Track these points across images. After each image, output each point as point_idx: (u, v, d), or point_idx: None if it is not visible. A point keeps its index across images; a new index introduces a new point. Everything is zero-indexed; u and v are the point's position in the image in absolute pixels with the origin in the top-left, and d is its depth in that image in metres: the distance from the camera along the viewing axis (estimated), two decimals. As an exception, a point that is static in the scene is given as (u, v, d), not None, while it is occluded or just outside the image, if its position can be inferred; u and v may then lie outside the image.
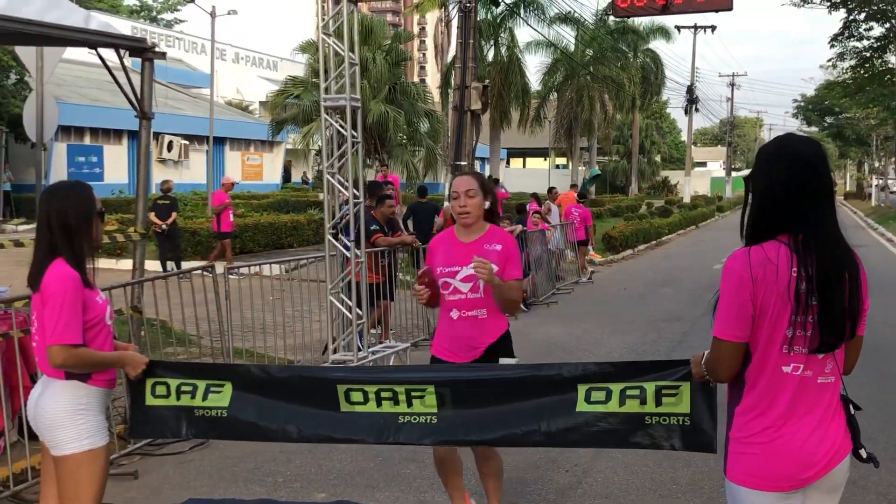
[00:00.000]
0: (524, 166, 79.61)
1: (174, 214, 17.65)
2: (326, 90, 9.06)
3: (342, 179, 9.07)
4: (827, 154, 3.05)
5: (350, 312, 9.04)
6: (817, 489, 2.91)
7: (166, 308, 7.86)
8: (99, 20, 7.21)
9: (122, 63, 7.21)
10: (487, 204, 4.79)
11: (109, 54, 7.44)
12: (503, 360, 4.64)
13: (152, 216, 17.28)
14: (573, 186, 35.88)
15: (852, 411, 3.02)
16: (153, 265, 16.67)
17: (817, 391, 2.90)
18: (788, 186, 2.87)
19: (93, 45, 7.29)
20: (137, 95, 7.35)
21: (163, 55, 7.60)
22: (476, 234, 4.79)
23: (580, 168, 54.20)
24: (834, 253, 2.87)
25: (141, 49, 7.34)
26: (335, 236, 9.12)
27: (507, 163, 71.19)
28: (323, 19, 9.18)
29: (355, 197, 8.98)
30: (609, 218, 36.65)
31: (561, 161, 71.27)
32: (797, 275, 2.81)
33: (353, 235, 9.01)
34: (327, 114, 9.00)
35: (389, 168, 27.19)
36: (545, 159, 71.23)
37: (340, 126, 8.93)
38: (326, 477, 6.35)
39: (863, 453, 3.00)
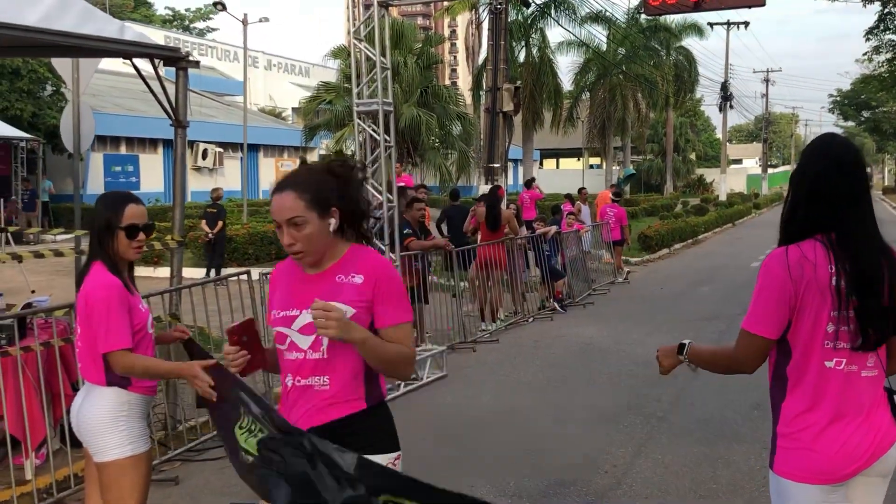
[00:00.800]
0: (557, 167, 79.38)
1: (220, 223, 17.86)
2: (358, 95, 9.09)
3: (375, 184, 9.10)
4: (863, 154, 3.10)
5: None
6: (864, 475, 2.94)
7: (205, 315, 7.93)
8: (133, 31, 7.28)
9: (156, 72, 7.28)
10: (333, 223, 3.11)
11: (144, 64, 7.52)
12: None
13: (203, 224, 17.95)
14: (612, 186, 35.77)
15: None
16: (199, 272, 16.92)
17: (862, 385, 2.93)
18: (821, 186, 2.93)
19: (128, 56, 7.37)
20: (172, 104, 7.42)
21: (196, 64, 7.67)
22: (328, 262, 3.17)
23: (614, 168, 53.96)
24: (870, 250, 2.91)
25: (175, 58, 7.41)
26: (369, 241, 9.13)
27: (541, 164, 71.06)
28: (354, 24, 9.21)
29: (388, 201, 8.99)
30: (644, 217, 36.44)
31: (595, 161, 70.98)
32: (835, 271, 2.86)
33: (388, 239, 9.03)
34: (359, 118, 9.04)
35: (413, 169, 27.17)
36: (578, 160, 70.97)
37: (373, 130, 8.96)
38: (365, 480, 6.36)
39: None
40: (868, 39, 43.28)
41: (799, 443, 2.92)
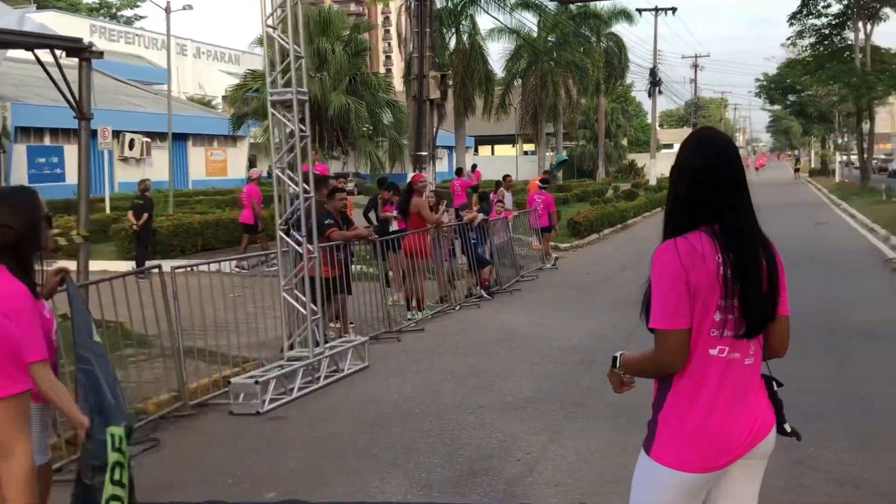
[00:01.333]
0: (493, 153, 79.61)
1: (145, 215, 17.60)
2: (273, 84, 8.96)
3: (292, 174, 8.99)
4: (736, 147, 3.15)
5: (304, 308, 8.97)
6: (744, 458, 2.99)
7: (124, 309, 7.80)
8: (34, 22, 7.11)
9: (57, 63, 7.10)
10: None
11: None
12: None
13: (130, 215, 17.91)
14: (545, 172, 35.95)
15: (775, 387, 3.12)
16: (125, 265, 16.62)
17: (743, 372, 2.99)
18: (705, 179, 2.98)
19: (28, 47, 7.18)
20: (76, 96, 7.25)
21: (100, 54, 7.50)
22: None
23: (547, 154, 54.30)
24: (750, 241, 2.98)
25: (77, 49, 7.24)
26: (287, 232, 9.04)
27: (476, 150, 71.20)
28: (267, 12, 9.05)
29: (305, 191, 8.90)
30: (576, 203, 36.69)
31: (529, 147, 71.35)
32: (722, 261, 2.91)
33: (305, 230, 8.93)
34: (274, 108, 8.91)
35: (345, 157, 26.84)
36: (513, 146, 71.25)
37: (287, 120, 8.84)
38: (278, 475, 6.31)
39: (787, 427, 3.10)
40: (792, 24, 44.26)
41: (680, 431, 2.95)
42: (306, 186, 8.92)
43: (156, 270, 8.16)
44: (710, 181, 2.97)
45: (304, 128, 8.84)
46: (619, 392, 3.25)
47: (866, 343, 10.19)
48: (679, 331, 2.91)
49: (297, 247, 8.99)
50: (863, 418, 7.23)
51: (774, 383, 3.13)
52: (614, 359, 3.20)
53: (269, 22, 9.00)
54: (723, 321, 2.92)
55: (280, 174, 9.00)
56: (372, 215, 16.64)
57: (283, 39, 8.86)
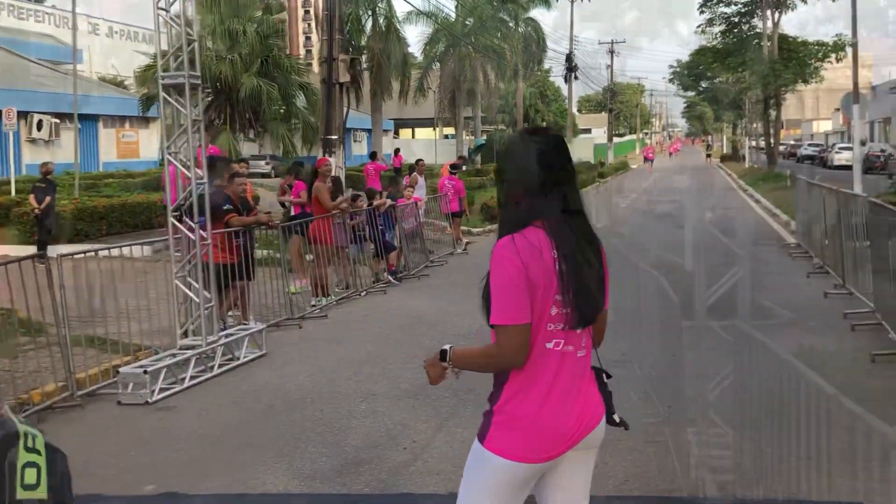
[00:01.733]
0: (413, 137, 79.45)
1: (48, 198, 17.12)
2: (164, 67, 8.78)
3: (184, 160, 8.83)
4: (565, 145, 3.20)
5: (197, 296, 8.83)
6: (574, 450, 3.06)
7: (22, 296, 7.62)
8: None
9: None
10: None
11: None
12: None
13: (31, 199, 17.50)
14: (460, 158, 36.06)
15: (605, 379, 3.21)
16: (26, 249, 16.15)
17: (576, 364, 3.06)
18: (527, 178, 3.04)
19: None
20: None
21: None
22: None
23: (466, 138, 54.47)
24: (582, 235, 3.07)
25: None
26: (179, 218, 8.88)
27: (396, 134, 70.99)
28: (158, -7, 8.84)
29: (198, 177, 8.75)
30: (492, 187, 36.75)
31: (449, 131, 71.38)
32: (557, 256, 2.97)
33: (197, 216, 8.78)
34: (166, 92, 8.73)
35: (259, 140, 26.39)
36: (433, 130, 71.24)
37: (180, 105, 8.67)
38: (160, 467, 6.20)
39: (616, 418, 3.20)
40: (703, 12, 45.13)
41: (515, 422, 2.99)
42: (199, 172, 8.77)
43: (43, 261, 7.95)
44: (538, 180, 3.02)
45: (197, 112, 8.69)
46: (436, 384, 3.27)
47: (756, 328, 10.43)
48: (522, 326, 2.94)
49: (189, 233, 8.84)
50: (741, 403, 7.39)
51: (604, 375, 3.22)
52: (443, 352, 3.18)
53: (161, 4, 8.80)
54: (559, 315, 2.98)
55: (172, 159, 8.84)
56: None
57: (174, 22, 8.68)
